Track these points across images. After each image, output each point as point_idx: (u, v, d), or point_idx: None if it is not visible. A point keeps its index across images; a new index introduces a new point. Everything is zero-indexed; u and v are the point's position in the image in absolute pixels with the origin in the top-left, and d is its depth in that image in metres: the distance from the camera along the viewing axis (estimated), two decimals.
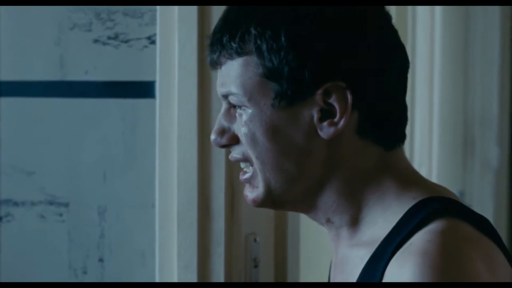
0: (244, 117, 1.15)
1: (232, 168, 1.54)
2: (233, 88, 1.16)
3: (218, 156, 1.53)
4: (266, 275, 1.64)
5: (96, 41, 1.64)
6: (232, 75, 1.16)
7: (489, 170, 3.43)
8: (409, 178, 1.17)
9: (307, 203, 1.18)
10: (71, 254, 1.66)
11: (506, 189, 3.68)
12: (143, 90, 1.62)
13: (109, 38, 1.63)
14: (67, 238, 1.66)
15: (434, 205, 1.12)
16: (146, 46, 1.61)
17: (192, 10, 1.53)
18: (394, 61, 1.16)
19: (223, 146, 1.20)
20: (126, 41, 1.62)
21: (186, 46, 1.54)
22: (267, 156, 1.15)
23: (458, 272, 1.03)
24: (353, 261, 1.16)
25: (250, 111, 1.15)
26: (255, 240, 1.58)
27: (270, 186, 1.16)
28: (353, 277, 1.14)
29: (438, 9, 3.08)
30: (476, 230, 1.10)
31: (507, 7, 3.65)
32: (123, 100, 1.63)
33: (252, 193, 1.19)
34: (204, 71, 1.54)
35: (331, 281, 1.25)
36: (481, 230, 1.11)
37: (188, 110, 1.54)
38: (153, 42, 1.60)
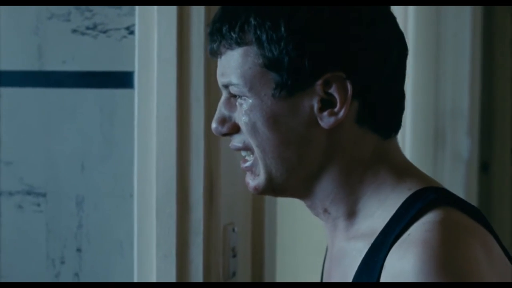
0: (245, 107, 1.16)
1: (211, 159, 1.55)
2: (234, 79, 1.16)
3: (197, 147, 1.54)
4: (244, 265, 1.65)
5: (74, 31, 1.63)
6: (232, 65, 1.16)
7: (460, 161, 3.46)
8: (403, 169, 1.19)
9: (306, 191, 1.19)
10: (49, 244, 1.65)
11: (476, 180, 3.72)
12: (121, 80, 1.62)
13: (87, 28, 1.63)
14: (45, 228, 1.66)
15: (430, 196, 1.13)
16: (124, 37, 1.61)
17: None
18: (393, 50, 1.18)
19: (224, 135, 1.21)
20: (105, 31, 1.62)
21: (165, 36, 1.54)
22: (268, 145, 1.16)
23: (458, 260, 1.05)
24: (351, 254, 1.17)
25: (250, 101, 1.16)
26: (233, 230, 1.59)
27: (271, 174, 1.18)
28: (351, 270, 1.15)
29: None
30: (471, 219, 1.12)
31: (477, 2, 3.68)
32: (102, 90, 1.63)
33: (253, 181, 1.20)
34: (183, 62, 1.54)
35: (327, 274, 1.25)
36: (475, 219, 1.13)
37: (167, 101, 1.55)
38: (131, 33, 1.60)
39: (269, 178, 1.18)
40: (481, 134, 3.75)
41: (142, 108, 1.57)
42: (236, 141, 1.20)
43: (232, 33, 1.15)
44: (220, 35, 1.17)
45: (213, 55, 1.20)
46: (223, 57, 1.18)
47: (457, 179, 3.45)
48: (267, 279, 1.69)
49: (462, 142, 3.42)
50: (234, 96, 1.19)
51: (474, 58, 3.58)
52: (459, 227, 1.09)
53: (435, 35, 3.46)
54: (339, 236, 1.20)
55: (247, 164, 1.21)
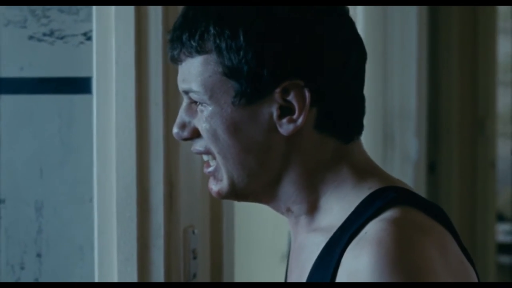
0: (205, 114, 1.18)
1: (171, 163, 1.57)
2: (194, 86, 1.18)
3: (157, 151, 1.55)
4: (204, 266, 1.67)
5: (31, 37, 1.64)
6: (192, 73, 1.18)
7: (408, 162, 3.53)
8: (365, 169, 1.21)
9: (268, 195, 1.21)
10: (8, 251, 1.66)
11: (424, 180, 3.79)
12: (79, 86, 1.63)
13: (44, 34, 1.64)
14: (4, 234, 1.66)
15: (389, 195, 1.16)
16: (82, 43, 1.62)
17: (129, 6, 1.55)
18: (352, 56, 1.20)
19: (185, 139, 1.22)
20: (62, 38, 1.63)
21: (123, 41, 1.55)
22: (229, 152, 1.18)
23: (412, 259, 1.07)
24: (309, 248, 1.19)
25: (210, 108, 1.18)
26: (193, 232, 1.61)
27: (233, 179, 1.20)
28: (308, 264, 1.17)
29: (359, 6, 3.14)
30: (430, 219, 1.14)
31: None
32: (60, 96, 1.64)
33: (216, 186, 1.22)
34: (142, 67, 1.56)
35: (289, 268, 1.28)
36: (435, 219, 1.15)
37: (126, 105, 1.56)
38: (89, 39, 1.61)
39: (232, 184, 1.20)
40: (428, 135, 3.82)
41: (101, 113, 1.58)
42: (198, 145, 1.22)
43: (192, 42, 1.17)
44: (180, 43, 1.19)
45: (173, 62, 1.22)
46: (183, 64, 1.20)
47: (406, 180, 3.50)
48: (225, 279, 1.71)
49: (410, 143, 3.49)
50: (195, 102, 1.21)
51: (421, 60, 3.64)
52: (414, 226, 1.12)
53: (382, 37, 3.52)
54: (300, 231, 1.23)
55: (210, 169, 1.23)
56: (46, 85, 1.64)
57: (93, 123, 1.60)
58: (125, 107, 1.56)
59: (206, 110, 1.19)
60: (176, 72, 1.55)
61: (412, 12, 3.54)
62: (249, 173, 1.19)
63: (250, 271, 2.31)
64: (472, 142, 4.34)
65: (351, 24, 1.21)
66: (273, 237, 2.45)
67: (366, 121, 3.50)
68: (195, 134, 1.22)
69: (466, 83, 4.32)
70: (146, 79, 1.55)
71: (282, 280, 1.36)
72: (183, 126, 1.22)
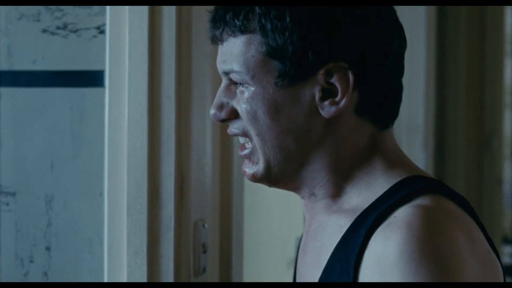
0: (246, 95, 1.18)
1: (181, 157, 1.57)
2: (236, 66, 1.18)
3: (168, 144, 1.55)
4: (213, 260, 1.66)
5: (44, 31, 1.64)
6: (234, 53, 1.18)
7: None
8: (396, 158, 1.21)
9: (297, 180, 1.21)
10: (17, 244, 1.65)
11: None
12: (92, 79, 1.63)
13: (57, 28, 1.64)
14: (14, 227, 1.66)
15: (419, 183, 1.16)
16: (95, 36, 1.63)
17: None
18: (394, 42, 1.20)
19: (222, 121, 1.22)
20: (75, 31, 1.64)
21: (136, 34, 1.55)
22: (268, 134, 1.18)
23: (441, 244, 1.07)
24: (331, 228, 1.19)
25: (252, 89, 1.18)
26: (203, 226, 1.60)
27: (269, 163, 1.19)
28: (329, 244, 1.17)
29: None
30: (458, 208, 1.15)
31: (432, 17, 3.75)
32: (72, 90, 1.64)
33: (251, 168, 1.21)
34: (154, 60, 1.56)
35: (302, 251, 1.27)
36: (463, 208, 1.15)
37: (138, 99, 1.56)
38: (102, 32, 1.62)
39: (268, 167, 1.20)
40: (436, 148, 3.81)
41: (113, 107, 1.58)
42: (234, 127, 1.22)
43: (236, 21, 1.17)
44: (223, 22, 1.18)
45: (214, 42, 1.21)
46: (224, 43, 1.19)
47: None
48: (234, 274, 1.71)
49: (418, 156, 3.48)
50: (235, 83, 1.20)
51: (428, 75, 3.65)
52: (444, 213, 1.12)
53: None
54: (319, 213, 1.22)
55: (245, 151, 1.22)
56: (59, 78, 1.64)
57: (105, 116, 1.60)
58: (137, 101, 1.56)
59: (247, 91, 1.18)
60: (188, 66, 1.56)
61: (420, 24, 3.54)
62: (286, 156, 1.18)
63: (260, 265, 2.31)
64: (479, 159, 4.34)
65: (393, 12, 1.22)
66: (283, 231, 2.43)
67: None
68: (233, 115, 1.21)
69: (473, 99, 4.32)
70: (158, 73, 1.56)
71: (291, 280, 1.35)
72: (220, 107, 1.21)
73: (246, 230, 1.79)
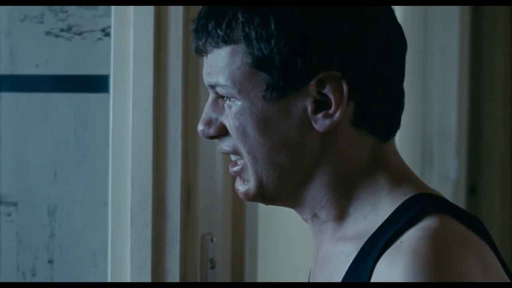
0: (234, 109, 1.10)
1: (189, 165, 1.49)
2: (221, 79, 1.09)
3: (174, 153, 1.48)
4: (223, 276, 1.58)
5: (48, 33, 1.58)
6: (219, 65, 1.09)
7: (447, 181, 3.42)
8: (400, 174, 1.12)
9: (296, 198, 1.12)
10: (19, 256, 1.59)
11: (464, 203, 3.67)
12: (96, 84, 1.56)
13: (61, 30, 1.57)
14: (16, 239, 1.59)
15: (426, 202, 1.07)
16: (100, 39, 1.56)
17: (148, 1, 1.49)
18: (392, 46, 1.11)
19: (211, 137, 1.14)
20: (80, 34, 1.57)
21: (142, 37, 1.48)
22: (259, 151, 1.10)
23: (450, 272, 0.99)
24: (338, 257, 1.10)
25: (239, 103, 1.09)
26: (212, 240, 1.53)
27: (261, 181, 1.11)
28: (338, 274, 1.09)
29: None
30: (468, 229, 1.06)
31: (466, 21, 3.65)
32: (76, 95, 1.57)
33: (243, 186, 1.13)
34: (160, 64, 1.49)
35: (312, 279, 1.19)
36: (473, 230, 1.06)
37: (143, 105, 1.49)
38: (107, 35, 1.55)
39: (260, 185, 1.11)
40: (468, 155, 3.71)
41: (118, 113, 1.51)
42: (225, 144, 1.13)
43: (219, 31, 1.08)
44: (205, 32, 1.10)
45: (198, 53, 1.13)
46: (209, 55, 1.11)
47: None
48: None
49: (450, 163, 3.39)
50: (222, 97, 1.12)
51: (462, 78, 3.55)
52: (453, 236, 1.03)
53: (422, 55, 3.43)
54: (325, 239, 1.14)
55: (236, 168, 1.14)
56: (62, 83, 1.58)
57: (109, 123, 1.53)
58: (143, 107, 1.49)
59: (234, 106, 1.09)
60: (196, 70, 1.48)
61: (453, 29, 3.45)
62: (280, 173, 1.10)
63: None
64: None
65: (391, 12, 1.12)
66: (301, 246, 2.34)
67: (403, 138, 3.42)
68: (222, 132, 1.12)
69: (509, 104, 4.20)
70: (164, 77, 1.48)
71: None
72: (209, 123, 1.13)
73: (260, 244, 1.71)
